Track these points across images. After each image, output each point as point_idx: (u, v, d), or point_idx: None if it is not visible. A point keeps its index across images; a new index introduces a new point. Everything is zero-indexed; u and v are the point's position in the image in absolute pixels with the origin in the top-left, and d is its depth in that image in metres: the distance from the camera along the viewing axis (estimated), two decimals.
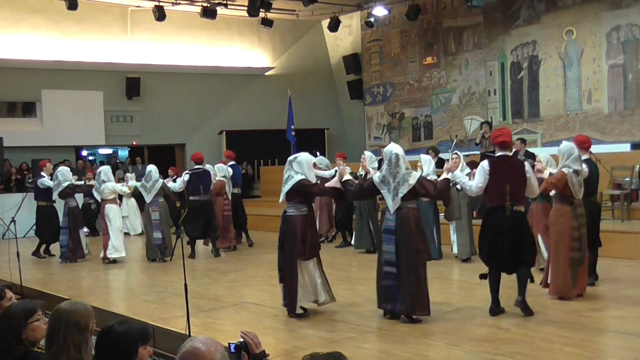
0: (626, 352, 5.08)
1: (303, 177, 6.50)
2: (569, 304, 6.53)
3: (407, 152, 19.30)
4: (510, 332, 5.69)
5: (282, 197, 6.58)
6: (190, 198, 10.99)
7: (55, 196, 11.39)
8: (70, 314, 3.05)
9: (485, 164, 6.33)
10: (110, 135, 18.51)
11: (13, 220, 9.30)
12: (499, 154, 6.41)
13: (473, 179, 6.54)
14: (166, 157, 19.08)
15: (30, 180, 14.32)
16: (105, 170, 11.21)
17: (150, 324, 6.17)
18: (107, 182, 11.00)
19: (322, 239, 12.71)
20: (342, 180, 6.56)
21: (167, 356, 5.68)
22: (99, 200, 11.34)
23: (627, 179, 10.55)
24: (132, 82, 18.42)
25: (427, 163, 9.48)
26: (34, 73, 17.20)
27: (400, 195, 6.08)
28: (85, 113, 17.87)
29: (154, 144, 19.68)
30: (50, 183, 11.57)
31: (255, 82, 20.29)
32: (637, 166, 10.42)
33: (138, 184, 11.19)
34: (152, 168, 11.10)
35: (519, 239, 6.12)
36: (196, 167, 11.20)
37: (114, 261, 10.79)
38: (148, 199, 10.88)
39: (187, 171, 11.46)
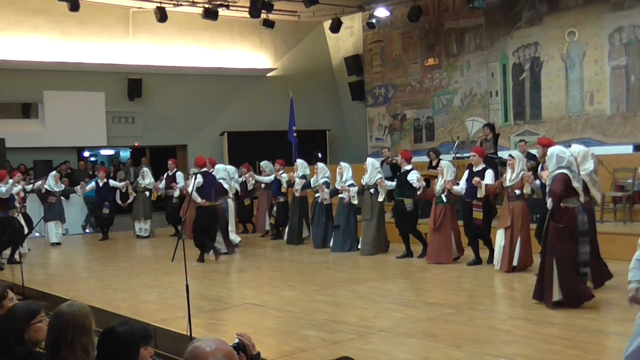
0: None
1: None
2: None
3: None
4: (511, 334, 5.69)
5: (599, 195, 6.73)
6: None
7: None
8: (75, 317, 3.06)
9: None
10: (112, 137, 18.49)
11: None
12: None
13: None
14: (168, 159, 19.04)
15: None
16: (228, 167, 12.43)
17: (152, 325, 6.18)
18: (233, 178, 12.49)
19: (262, 234, 14.03)
20: None
21: (169, 357, 5.68)
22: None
23: (630, 181, 10.52)
24: (134, 83, 18.42)
25: (370, 165, 10.72)
26: (35, 74, 17.19)
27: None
28: (87, 114, 17.86)
29: (156, 145, 19.68)
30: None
31: (256, 84, 20.28)
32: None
33: (266, 179, 13.24)
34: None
35: None
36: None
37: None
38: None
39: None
